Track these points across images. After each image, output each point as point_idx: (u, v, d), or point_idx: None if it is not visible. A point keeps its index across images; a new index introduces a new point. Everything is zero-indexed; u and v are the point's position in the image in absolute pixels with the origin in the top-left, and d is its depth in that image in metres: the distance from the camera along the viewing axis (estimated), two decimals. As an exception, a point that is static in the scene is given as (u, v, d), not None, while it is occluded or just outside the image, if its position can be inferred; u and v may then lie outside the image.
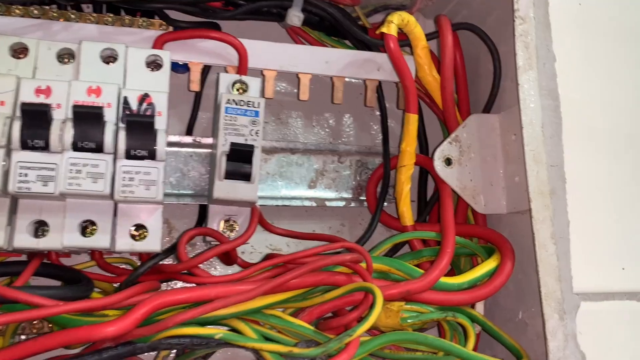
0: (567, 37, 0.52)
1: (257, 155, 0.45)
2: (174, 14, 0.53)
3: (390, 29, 0.50)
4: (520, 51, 0.50)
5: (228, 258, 0.50)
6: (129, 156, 0.42)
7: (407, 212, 0.54)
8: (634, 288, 0.49)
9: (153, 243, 0.45)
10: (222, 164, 0.44)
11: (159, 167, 0.43)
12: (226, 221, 0.49)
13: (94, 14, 0.52)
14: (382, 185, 0.57)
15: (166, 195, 0.52)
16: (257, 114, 0.46)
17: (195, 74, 0.53)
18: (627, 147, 0.51)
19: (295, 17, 0.53)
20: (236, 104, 0.46)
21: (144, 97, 0.44)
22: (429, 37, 0.54)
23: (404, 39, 0.54)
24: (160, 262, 0.46)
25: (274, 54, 0.55)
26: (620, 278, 0.49)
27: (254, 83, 0.51)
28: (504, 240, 0.50)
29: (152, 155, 0.42)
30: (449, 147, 0.54)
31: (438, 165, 0.53)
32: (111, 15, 0.52)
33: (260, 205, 0.57)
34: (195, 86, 0.53)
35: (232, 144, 0.44)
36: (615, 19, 0.53)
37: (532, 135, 0.49)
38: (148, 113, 0.43)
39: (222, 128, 0.45)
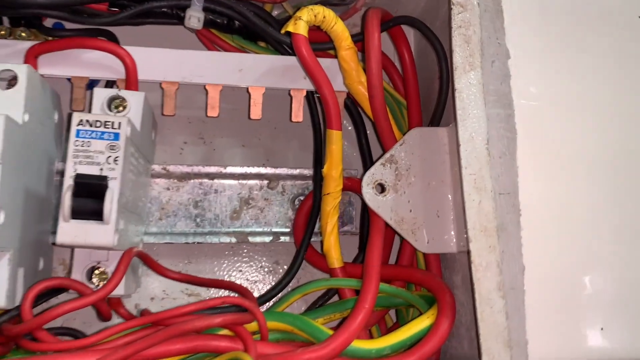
0: (524, 26, 0.40)
1: (115, 188, 0.36)
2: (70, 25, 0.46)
3: (299, 27, 0.40)
4: (457, 47, 0.39)
5: (100, 314, 0.41)
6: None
7: (333, 251, 0.44)
8: (618, 355, 0.37)
9: (-5, 297, 0.37)
10: (66, 201, 0.35)
11: (-11, 205, 0.35)
12: (94, 269, 0.40)
13: (-36, 26, 0.45)
14: (310, 216, 0.47)
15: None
16: (116, 136, 0.37)
17: (78, 91, 0.45)
18: (601, 166, 0.39)
19: (194, 18, 0.44)
20: (90, 125, 0.37)
21: (-27, 122, 0.36)
22: (356, 36, 0.44)
23: (326, 41, 0.44)
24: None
25: (175, 63, 0.46)
26: (598, 341, 0.37)
27: (135, 98, 0.42)
28: (443, 289, 0.39)
29: (-23, 192, 0.34)
30: (382, 170, 0.43)
31: (367, 193, 0.43)
32: (-16, 26, 0.45)
33: (169, 243, 0.48)
34: (77, 104, 0.45)
35: (77, 175, 0.36)
36: (587, 3, 0.41)
37: (472, 154, 0.37)
38: (-22, 140, 0.35)
39: (72, 156, 0.36)
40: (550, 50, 0.40)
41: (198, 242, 0.48)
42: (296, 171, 0.51)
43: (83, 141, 0.37)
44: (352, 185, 0.47)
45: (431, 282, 0.40)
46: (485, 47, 0.39)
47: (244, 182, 0.50)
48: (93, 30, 0.47)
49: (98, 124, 0.37)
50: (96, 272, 0.40)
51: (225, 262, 0.51)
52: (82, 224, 0.36)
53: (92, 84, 0.48)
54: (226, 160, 0.53)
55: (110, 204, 0.36)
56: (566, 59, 0.40)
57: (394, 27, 0.47)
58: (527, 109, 0.39)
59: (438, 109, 0.45)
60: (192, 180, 0.49)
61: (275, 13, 0.51)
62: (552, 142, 0.39)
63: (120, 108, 0.42)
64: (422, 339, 0.37)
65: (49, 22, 0.47)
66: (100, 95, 0.42)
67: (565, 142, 0.39)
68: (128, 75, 0.44)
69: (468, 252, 0.36)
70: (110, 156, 0.37)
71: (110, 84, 0.46)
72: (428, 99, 0.50)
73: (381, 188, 0.43)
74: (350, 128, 0.53)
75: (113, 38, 0.48)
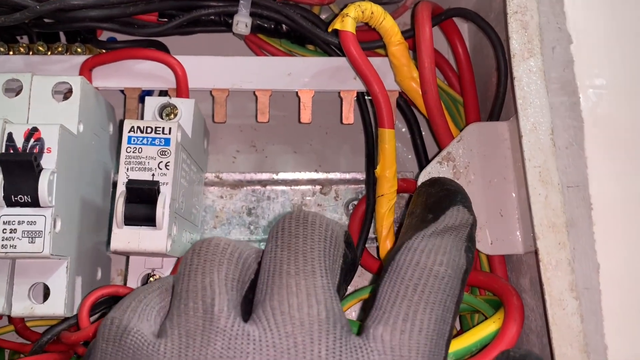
0: (587, 9, 0.38)
1: (167, 193, 0.36)
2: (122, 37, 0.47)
3: (346, 24, 0.39)
4: (514, 33, 0.37)
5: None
6: (9, 203, 0.35)
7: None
8: None
9: (56, 306, 0.37)
10: (118, 207, 0.35)
11: (46, 214, 0.35)
12: (150, 276, 0.40)
13: (24, 44, 0.46)
14: (364, 220, 0.45)
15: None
16: (167, 142, 0.37)
17: (131, 102, 0.45)
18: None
19: (242, 23, 0.44)
20: (141, 132, 0.37)
21: (32, 132, 0.36)
22: (405, 34, 0.42)
23: (377, 39, 0.43)
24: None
25: (223, 70, 0.46)
26: (687, 346, 0.33)
27: (185, 106, 0.42)
28: (509, 291, 0.36)
29: (35, 202, 0.35)
30: (439, 169, 0.41)
31: (423, 193, 0.41)
32: (42, 43, 0.46)
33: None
34: (131, 115, 0.45)
35: (129, 181, 0.36)
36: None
37: (536, 145, 0.35)
38: (36, 150, 0.36)
39: (124, 162, 0.36)
40: (616, 32, 0.38)
41: (252, 250, 0.47)
42: (349, 175, 0.49)
43: (135, 147, 0.37)
44: (407, 187, 0.45)
45: (496, 284, 0.38)
46: (544, 32, 0.37)
47: (296, 187, 0.49)
48: (144, 42, 0.48)
49: (149, 129, 0.37)
50: (151, 279, 0.40)
51: (281, 270, 0.50)
52: (135, 230, 0.36)
53: (144, 95, 0.49)
54: (278, 167, 0.52)
55: (163, 208, 0.36)
56: (634, 41, 0.37)
57: (446, 21, 0.46)
58: (594, 96, 0.36)
59: (497, 103, 0.42)
60: (244, 188, 0.49)
61: (323, 16, 0.50)
62: (623, 129, 0.36)
63: (172, 115, 0.42)
64: (489, 345, 0.34)
65: (103, 37, 0.48)
66: (152, 103, 0.42)
67: (638, 129, 0.36)
68: (179, 84, 0.44)
69: (536, 251, 0.34)
70: (161, 161, 0.37)
71: (163, 94, 0.47)
72: (484, 96, 0.48)
73: (438, 187, 0.41)
74: (404, 130, 0.51)
75: (163, 48, 0.49)
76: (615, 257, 0.34)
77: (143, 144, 0.37)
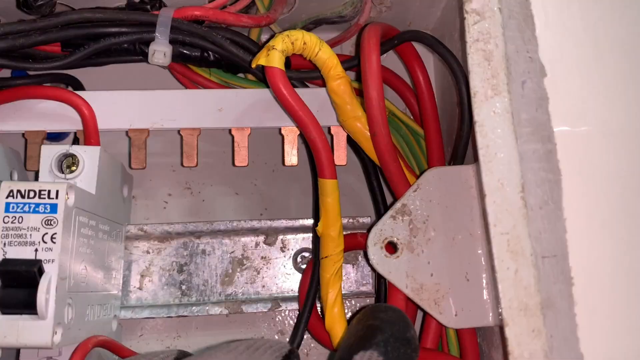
0: (563, 33, 0.31)
1: (53, 273, 0.29)
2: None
3: (272, 59, 0.32)
4: (475, 67, 0.30)
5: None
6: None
7: (339, 327, 0.35)
8: None
9: None
10: (-9, 293, 0.28)
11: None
12: (45, 365, 0.33)
13: None
14: (312, 281, 0.38)
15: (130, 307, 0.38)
16: (53, 208, 0.30)
17: (32, 148, 0.38)
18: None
19: (159, 53, 0.37)
20: (22, 196, 0.30)
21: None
22: (347, 64, 0.36)
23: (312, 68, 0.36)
24: None
25: (141, 106, 0.39)
26: None
27: (89, 155, 0.35)
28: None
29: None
30: (392, 225, 0.35)
31: (374, 254, 0.34)
32: None
33: (148, 317, 0.41)
34: (32, 164, 0.38)
35: (4, 261, 0.29)
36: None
37: (502, 207, 0.28)
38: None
39: (0, 235, 0.30)
40: (600, 60, 0.31)
41: (182, 316, 0.41)
42: (297, 222, 0.43)
43: (14, 216, 0.30)
44: (361, 243, 0.39)
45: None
46: (512, 64, 0.30)
47: (236, 238, 0.42)
48: (52, 76, 0.41)
49: (32, 194, 0.30)
50: (47, 369, 0.33)
51: (219, 333, 0.43)
52: (13, 320, 0.29)
53: (54, 138, 0.42)
54: (217, 211, 0.45)
55: (46, 293, 0.29)
56: (621, 70, 0.31)
57: (402, 45, 0.39)
58: (574, 141, 0.30)
59: (460, 143, 0.36)
60: (174, 241, 0.42)
61: (265, 38, 0.43)
62: (610, 182, 0.29)
63: (73, 167, 0.35)
64: None
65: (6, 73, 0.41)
66: (49, 153, 0.35)
67: (628, 181, 0.29)
68: (85, 127, 0.37)
69: (503, 341, 0.27)
70: (46, 233, 0.30)
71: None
72: (454, 129, 0.42)
73: (392, 247, 0.34)
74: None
75: (75, 83, 0.42)
76: (602, 344, 0.28)
77: (24, 211, 0.30)
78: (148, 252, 0.42)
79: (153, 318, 0.41)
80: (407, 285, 0.34)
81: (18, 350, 0.34)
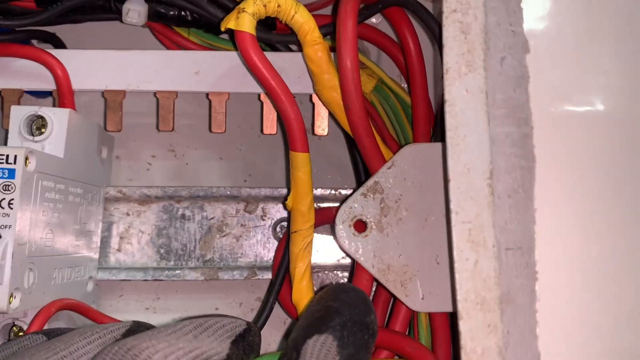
0: (552, 5, 0.28)
1: (9, 239, 0.29)
2: None
3: (242, 22, 0.31)
4: (450, 40, 0.28)
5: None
6: None
7: (304, 302, 0.34)
8: None
9: None
10: (-55, 258, 0.28)
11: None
12: (12, 327, 0.34)
13: None
14: (285, 252, 0.38)
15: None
16: (11, 174, 0.30)
17: (9, 107, 0.38)
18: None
19: (133, 12, 0.36)
20: (-20, 161, 0.30)
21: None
22: (326, 29, 0.34)
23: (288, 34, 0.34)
24: None
25: (119, 66, 0.38)
26: None
27: (58, 117, 0.34)
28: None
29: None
30: (363, 202, 0.33)
31: (342, 233, 0.33)
32: None
33: (125, 280, 0.41)
34: (6, 123, 0.38)
35: (-43, 226, 0.29)
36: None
37: (466, 194, 0.27)
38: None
39: (-43, 200, 0.29)
40: (591, 37, 0.28)
41: (157, 280, 0.41)
42: (278, 191, 0.42)
43: (-29, 181, 0.30)
44: (328, 218, 0.37)
45: (407, 346, 0.30)
46: (492, 38, 0.28)
47: (216, 204, 0.42)
48: (31, 32, 0.40)
49: (-10, 158, 0.30)
50: (14, 328, 0.34)
51: (199, 297, 0.43)
52: (-31, 284, 0.29)
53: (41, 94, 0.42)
54: (201, 176, 0.44)
55: (1, 259, 0.29)
56: (614, 50, 0.28)
57: (389, 9, 0.36)
58: (553, 126, 0.27)
59: (440, 119, 0.34)
60: (154, 204, 0.42)
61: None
62: (588, 172, 0.27)
63: (43, 129, 0.35)
64: None
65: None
66: (18, 114, 0.34)
67: (607, 173, 0.27)
68: (59, 87, 0.36)
69: (457, 333, 0.26)
70: (4, 199, 0.30)
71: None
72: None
73: (361, 227, 0.33)
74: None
75: (55, 40, 0.41)
76: (561, 343, 0.26)
77: (-18, 176, 0.30)
78: (128, 215, 0.42)
79: (129, 280, 0.41)
80: (373, 265, 0.32)
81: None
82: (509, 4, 0.28)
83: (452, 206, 0.27)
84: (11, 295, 0.30)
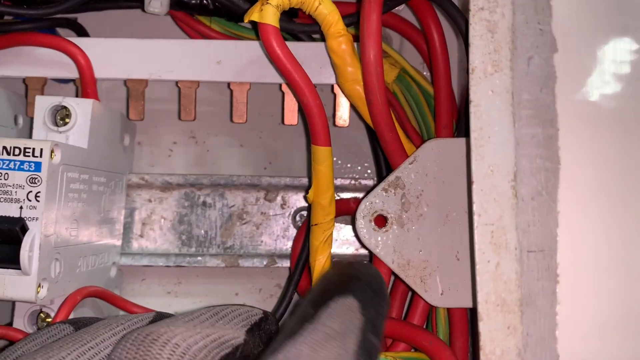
0: (585, 2, 0.28)
1: (37, 231, 0.30)
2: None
3: (266, 14, 0.30)
4: (477, 39, 0.27)
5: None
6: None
7: (324, 295, 0.35)
8: None
9: None
10: (-24, 248, 0.29)
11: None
12: (39, 314, 0.35)
13: None
14: (305, 242, 0.38)
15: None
16: (37, 167, 0.30)
17: (34, 94, 0.38)
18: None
19: (155, 1, 0.36)
20: (7, 153, 0.30)
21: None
22: (350, 19, 0.33)
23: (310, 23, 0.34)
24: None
25: (141, 55, 0.38)
26: None
27: (82, 108, 0.35)
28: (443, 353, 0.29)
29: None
30: (384, 198, 0.33)
31: (362, 227, 0.33)
32: None
33: (147, 266, 0.42)
34: (33, 111, 0.38)
35: (-11, 217, 0.29)
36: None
37: (490, 196, 0.27)
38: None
39: (-13, 191, 0.30)
40: (622, 36, 0.28)
41: (179, 266, 0.41)
42: (298, 181, 0.42)
43: (1, 173, 0.30)
44: (353, 209, 0.38)
45: (424, 339, 0.31)
46: (519, 36, 0.27)
47: (237, 192, 0.42)
48: (56, 20, 0.40)
49: (17, 151, 0.30)
50: (41, 315, 0.35)
51: (219, 282, 0.44)
52: (1, 274, 0.30)
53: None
54: (221, 162, 0.45)
55: (29, 251, 0.30)
56: (646, 50, 0.27)
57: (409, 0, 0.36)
58: (580, 127, 0.27)
59: (461, 112, 0.34)
60: (175, 191, 0.42)
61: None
62: (613, 175, 0.27)
63: (67, 119, 0.35)
64: None
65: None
66: (42, 104, 0.35)
67: (634, 176, 0.27)
68: (82, 76, 0.36)
69: (476, 334, 0.26)
70: (31, 191, 0.30)
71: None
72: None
73: (381, 221, 0.33)
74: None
75: (78, 28, 0.41)
76: (581, 346, 0.26)
77: (10, 168, 0.30)
78: (150, 201, 0.42)
79: (152, 266, 0.42)
80: (393, 260, 0.33)
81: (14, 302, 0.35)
82: (537, 1, 0.28)
83: (475, 208, 0.27)
84: (39, 286, 0.31)
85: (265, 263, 0.41)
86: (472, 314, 0.34)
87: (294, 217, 0.42)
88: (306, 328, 0.21)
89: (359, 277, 0.24)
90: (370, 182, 0.41)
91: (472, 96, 0.27)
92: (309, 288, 0.38)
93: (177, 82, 0.38)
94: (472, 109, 0.27)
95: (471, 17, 0.27)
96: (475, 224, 0.26)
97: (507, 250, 0.26)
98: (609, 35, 0.27)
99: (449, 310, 0.34)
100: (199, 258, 0.41)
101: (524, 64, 0.27)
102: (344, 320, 0.21)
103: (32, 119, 0.36)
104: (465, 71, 0.36)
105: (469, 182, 0.27)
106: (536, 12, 0.28)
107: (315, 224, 0.34)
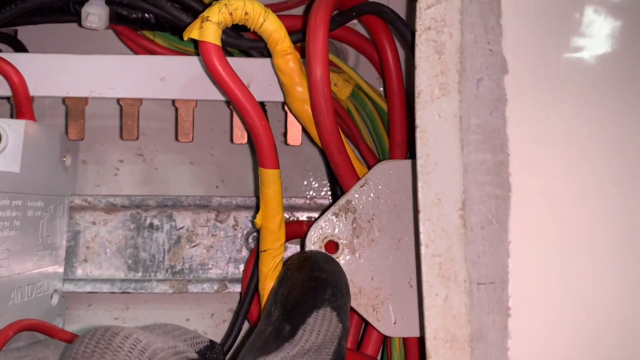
0: (535, 21, 0.27)
1: (-42, 266, 0.28)
2: None
3: (206, 32, 0.29)
4: (423, 61, 0.26)
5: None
6: None
7: (274, 324, 0.33)
8: None
9: None
10: None
11: None
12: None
13: None
14: (254, 268, 0.36)
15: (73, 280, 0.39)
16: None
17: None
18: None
19: (93, 16, 0.34)
20: None
21: None
22: (297, 36, 0.32)
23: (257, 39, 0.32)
24: None
25: (81, 72, 0.36)
26: None
27: (13, 130, 0.33)
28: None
29: None
30: (334, 223, 0.32)
31: (312, 254, 0.32)
32: None
33: (91, 292, 0.40)
34: (-37, 130, 0.36)
35: None
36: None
37: (436, 226, 0.25)
38: None
39: None
40: (573, 57, 0.27)
41: (124, 292, 0.39)
42: (251, 200, 0.40)
43: None
44: (299, 231, 0.36)
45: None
46: (468, 57, 0.26)
47: (186, 213, 0.40)
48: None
49: (-60, 176, 0.28)
50: (-30, 351, 0.33)
51: (169, 307, 0.42)
52: None
53: None
54: (170, 181, 0.43)
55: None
56: (597, 72, 0.26)
57: (365, 16, 0.34)
58: (531, 152, 0.26)
59: (410, 131, 0.32)
60: (121, 213, 0.40)
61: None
62: (566, 203, 0.26)
63: (-2, 142, 0.33)
64: None
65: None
66: (-29, 126, 0.33)
67: (587, 203, 0.26)
68: (16, 95, 0.34)
69: (425, 372, 0.25)
70: (-45, 220, 0.28)
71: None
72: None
73: (332, 248, 0.32)
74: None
75: (15, 42, 0.39)
76: (534, 383, 0.25)
77: None
78: (94, 224, 0.40)
79: (96, 293, 0.40)
80: (344, 288, 0.31)
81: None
82: (487, 20, 0.26)
83: (422, 238, 0.25)
84: (-38, 324, 0.28)
85: (215, 288, 0.40)
86: (422, 346, 0.33)
87: (246, 239, 0.40)
88: (284, 348, 0.21)
89: (330, 281, 0.25)
90: (325, 202, 0.40)
91: (418, 121, 0.26)
92: (258, 316, 0.36)
93: (118, 100, 0.36)
94: (418, 134, 0.26)
95: (417, 38, 0.26)
96: (423, 255, 0.25)
97: (456, 283, 0.25)
98: (560, 55, 0.26)
99: (404, 339, 0.33)
100: (146, 284, 0.39)
101: (472, 86, 0.26)
102: (325, 333, 0.22)
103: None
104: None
105: (416, 211, 0.25)
106: (486, 31, 0.26)
107: (264, 250, 0.33)
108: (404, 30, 0.31)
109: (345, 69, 0.38)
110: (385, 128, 0.38)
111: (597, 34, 0.26)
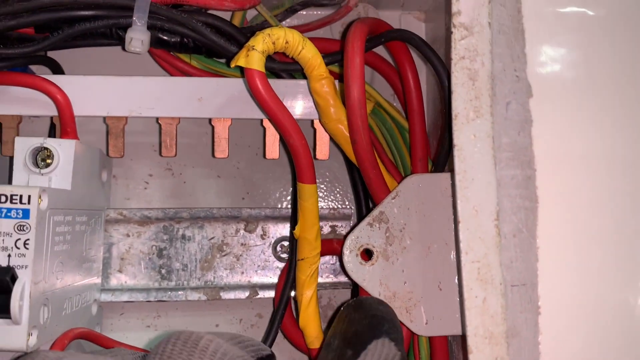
0: (555, 49, 0.30)
1: (26, 279, 0.29)
2: None
3: (252, 60, 0.31)
4: (459, 87, 0.29)
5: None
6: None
7: (312, 328, 0.36)
8: None
9: None
10: (-37, 300, 0.29)
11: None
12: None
13: None
14: (287, 278, 0.39)
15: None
16: (25, 214, 0.30)
17: (8, 133, 0.38)
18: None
19: (136, 41, 0.36)
20: (-8, 201, 0.30)
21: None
22: (332, 58, 0.34)
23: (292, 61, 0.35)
24: None
25: (121, 92, 0.38)
26: None
27: (64, 149, 0.34)
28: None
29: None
30: (369, 232, 0.35)
31: (349, 261, 0.34)
32: None
33: (127, 302, 0.41)
34: (8, 149, 0.38)
35: (-25, 268, 0.29)
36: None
37: (475, 235, 0.28)
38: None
39: (-29, 240, 0.29)
40: (591, 82, 0.30)
41: (161, 300, 0.41)
42: (278, 211, 0.43)
43: (-15, 221, 0.30)
44: (337, 250, 0.39)
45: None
46: (497, 83, 0.29)
47: (216, 224, 0.42)
48: (31, 58, 0.39)
49: (3, 198, 0.30)
50: None
51: (199, 314, 0.44)
52: (-11, 324, 0.30)
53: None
54: (199, 194, 0.45)
55: (20, 300, 0.29)
56: (613, 95, 0.30)
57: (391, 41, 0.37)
58: (555, 168, 0.29)
59: (441, 151, 0.35)
60: (154, 225, 0.42)
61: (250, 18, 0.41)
62: (588, 212, 0.29)
63: (49, 160, 0.35)
64: None
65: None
66: (23, 146, 0.34)
67: (606, 213, 0.29)
68: (61, 115, 0.36)
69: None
70: (19, 239, 0.30)
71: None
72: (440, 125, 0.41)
73: (368, 254, 0.35)
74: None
75: (53, 66, 0.40)
76: (563, 373, 0.28)
77: (-4, 216, 0.30)
78: (128, 236, 0.42)
79: (129, 302, 0.42)
80: (380, 292, 0.34)
81: None
82: (513, 49, 0.30)
83: (462, 246, 0.28)
84: (29, 334, 0.30)
85: (247, 295, 0.42)
86: (450, 343, 0.36)
87: (274, 247, 0.43)
88: None
89: (386, 317, 0.27)
90: (349, 211, 0.42)
91: (456, 140, 0.28)
92: (292, 324, 0.38)
93: (157, 119, 0.39)
94: (456, 152, 0.28)
95: (453, 66, 0.29)
96: (463, 262, 0.28)
97: (493, 286, 0.28)
98: (579, 80, 0.30)
99: (430, 338, 0.36)
100: (180, 292, 0.42)
101: (502, 109, 0.29)
102: (386, 357, 0.24)
103: (10, 158, 0.35)
104: (433, 102, 0.38)
105: (456, 222, 0.28)
106: (512, 60, 0.30)
107: (302, 259, 0.35)
108: (431, 56, 0.34)
109: (366, 87, 0.41)
110: (405, 143, 0.40)
111: (611, 60, 0.30)
